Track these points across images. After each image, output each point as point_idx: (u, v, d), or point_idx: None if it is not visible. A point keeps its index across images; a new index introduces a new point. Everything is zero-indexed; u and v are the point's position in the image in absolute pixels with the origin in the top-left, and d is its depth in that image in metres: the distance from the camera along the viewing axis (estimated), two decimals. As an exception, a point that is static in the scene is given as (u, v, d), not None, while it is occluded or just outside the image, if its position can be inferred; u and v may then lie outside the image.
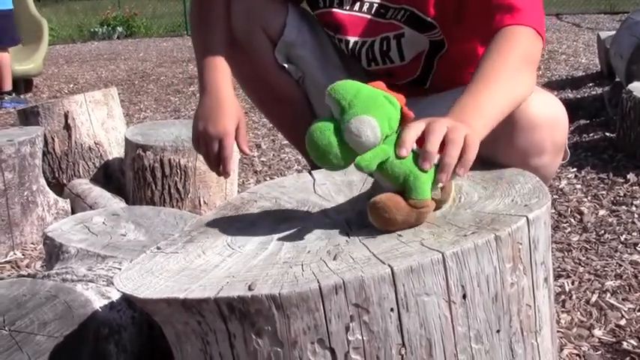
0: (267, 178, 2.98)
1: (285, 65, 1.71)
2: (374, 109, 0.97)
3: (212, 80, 1.56)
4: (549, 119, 1.25)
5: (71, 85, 6.29)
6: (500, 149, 1.25)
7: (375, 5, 1.61)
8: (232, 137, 1.51)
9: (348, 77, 1.75)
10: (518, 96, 1.22)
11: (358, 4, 1.62)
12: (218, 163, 1.52)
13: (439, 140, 0.97)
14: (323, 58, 1.72)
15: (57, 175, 2.70)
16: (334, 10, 1.64)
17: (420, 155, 0.96)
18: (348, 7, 1.63)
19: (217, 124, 1.50)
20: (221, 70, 1.58)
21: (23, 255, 2.24)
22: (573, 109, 3.54)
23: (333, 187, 1.23)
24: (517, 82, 1.23)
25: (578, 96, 4.09)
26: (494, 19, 1.32)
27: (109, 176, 2.75)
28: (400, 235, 0.93)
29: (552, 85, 4.51)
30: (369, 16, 1.62)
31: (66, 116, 2.69)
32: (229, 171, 1.52)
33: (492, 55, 1.25)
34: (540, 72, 5.09)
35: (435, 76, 1.66)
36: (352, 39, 1.65)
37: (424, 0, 1.51)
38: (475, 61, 1.51)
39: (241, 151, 1.55)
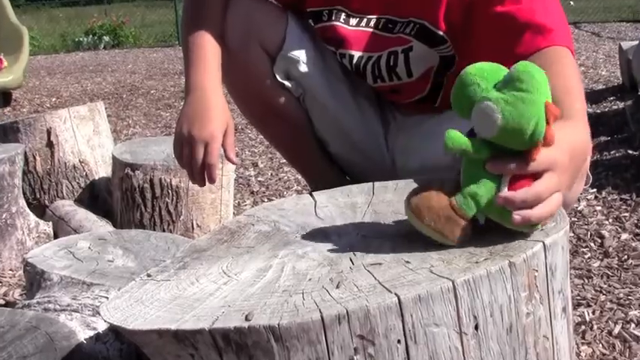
0: (265, 200, 2.98)
1: (285, 82, 1.71)
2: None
3: (200, 80, 1.56)
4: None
5: (54, 99, 6.30)
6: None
7: (383, 20, 1.62)
8: (219, 142, 1.49)
9: (354, 94, 1.77)
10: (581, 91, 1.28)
11: (365, 19, 1.64)
12: (202, 171, 1.50)
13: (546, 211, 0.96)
14: (327, 73, 1.73)
15: (38, 195, 2.71)
16: (337, 24, 1.66)
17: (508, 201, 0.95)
18: (354, 24, 1.65)
19: (204, 128, 1.49)
20: (210, 69, 1.58)
21: (1, 282, 2.24)
22: (593, 125, 3.52)
23: (336, 210, 1.23)
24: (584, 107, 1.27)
25: (598, 111, 4.10)
26: (523, 40, 1.35)
27: (95, 197, 2.76)
28: (408, 262, 0.94)
29: (570, 99, 4.52)
30: (375, 31, 1.64)
31: (48, 133, 2.70)
32: (215, 178, 1.51)
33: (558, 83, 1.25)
34: (557, 85, 5.11)
35: (445, 93, 1.67)
36: (357, 53, 1.66)
37: (435, 13, 1.52)
38: None
39: (228, 158, 1.54)
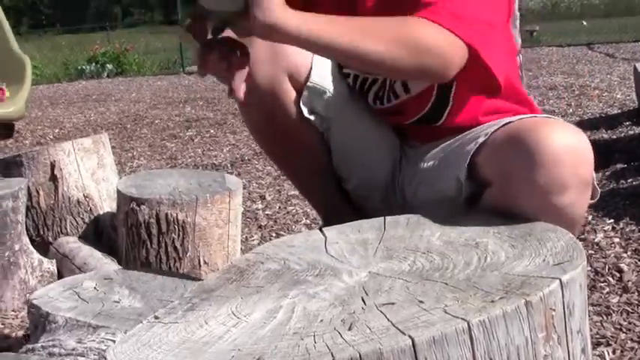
0: (273, 234, 2.99)
1: (311, 117, 1.72)
2: None
3: None
4: (571, 150, 1.26)
5: (57, 130, 6.34)
6: (520, 189, 1.27)
7: None
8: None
9: (376, 128, 1.78)
10: (368, 55, 1.29)
11: None
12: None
13: None
14: (351, 105, 1.74)
15: (42, 232, 2.72)
16: None
17: None
18: None
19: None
20: None
21: (3, 324, 2.24)
22: (608, 150, 3.55)
23: (347, 247, 1.24)
24: (374, 44, 1.29)
25: (614, 136, 4.10)
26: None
27: (100, 233, 2.77)
28: (421, 302, 0.94)
29: (584, 125, 4.52)
30: None
31: (52, 166, 2.72)
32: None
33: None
34: (571, 110, 5.12)
35: (451, 110, 1.67)
36: (361, 75, 1.69)
37: None
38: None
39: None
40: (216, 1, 1.26)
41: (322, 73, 1.71)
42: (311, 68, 1.69)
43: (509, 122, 1.41)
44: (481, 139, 1.41)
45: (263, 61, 1.65)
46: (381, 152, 1.79)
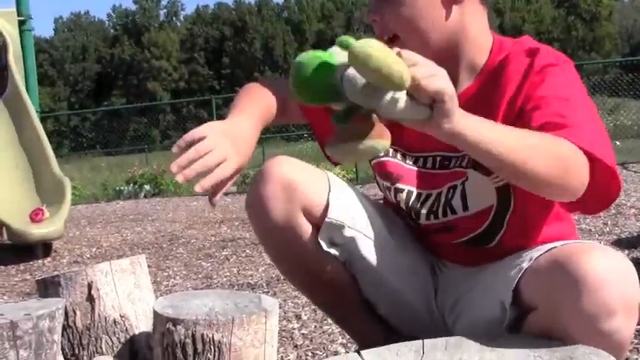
0: (309, 354, 2.95)
1: (331, 251, 1.73)
2: None
3: (242, 104, 1.66)
4: (616, 275, 1.26)
5: (94, 249, 6.39)
6: (566, 315, 1.25)
7: (438, 157, 1.66)
8: (235, 166, 1.51)
9: (403, 251, 1.79)
10: (527, 165, 1.35)
11: (421, 159, 1.68)
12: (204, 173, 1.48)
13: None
14: (374, 233, 1.75)
15: (77, 351, 2.71)
16: (395, 161, 1.70)
17: None
18: (410, 163, 1.69)
19: (234, 143, 1.52)
20: (251, 112, 1.65)
21: None
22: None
23: (385, 370, 1.22)
24: (531, 152, 1.36)
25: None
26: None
27: (135, 353, 2.75)
28: None
29: (622, 244, 4.48)
30: (433, 171, 1.68)
31: (89, 287, 2.73)
32: (216, 199, 1.55)
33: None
34: (608, 229, 5.08)
35: (504, 234, 1.67)
36: (415, 190, 1.70)
37: None
38: (544, 221, 1.57)
39: (211, 197, 1.56)
40: (405, 111, 1.31)
41: (342, 206, 1.72)
42: (328, 204, 1.71)
43: (553, 248, 1.42)
44: (525, 265, 1.42)
45: (278, 198, 1.68)
46: (411, 279, 1.79)
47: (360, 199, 1.77)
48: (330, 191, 1.71)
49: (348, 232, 1.71)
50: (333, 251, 1.73)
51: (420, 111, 1.29)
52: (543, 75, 1.55)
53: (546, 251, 1.42)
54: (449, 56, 1.64)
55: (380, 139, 1.31)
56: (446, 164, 1.68)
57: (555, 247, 1.43)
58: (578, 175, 1.39)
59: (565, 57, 1.61)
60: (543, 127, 1.44)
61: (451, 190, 1.67)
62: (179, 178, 1.44)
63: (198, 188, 1.47)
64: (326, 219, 1.70)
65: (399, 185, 1.74)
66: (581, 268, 1.26)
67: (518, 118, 1.54)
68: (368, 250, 1.73)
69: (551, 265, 1.35)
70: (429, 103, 1.29)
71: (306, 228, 1.71)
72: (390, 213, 1.86)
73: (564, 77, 1.56)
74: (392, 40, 1.63)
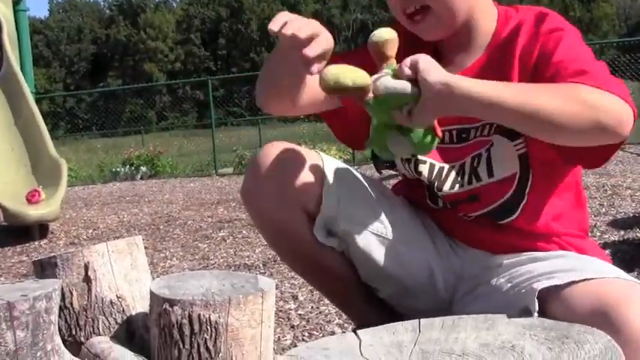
0: (306, 334, 2.96)
1: (327, 243, 1.73)
2: None
3: None
4: None
5: (90, 231, 6.40)
6: None
7: (454, 131, 1.66)
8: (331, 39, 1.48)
9: (405, 237, 1.78)
10: (543, 111, 1.35)
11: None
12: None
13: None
14: (372, 221, 1.74)
15: (74, 332, 2.71)
16: None
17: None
18: None
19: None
20: None
21: None
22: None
23: (381, 349, 1.23)
24: (548, 100, 1.36)
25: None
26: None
27: (132, 333, 2.75)
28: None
29: (617, 224, 4.49)
30: (452, 146, 1.68)
31: (86, 268, 2.72)
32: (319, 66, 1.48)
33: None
34: (604, 210, 5.09)
35: (524, 209, 1.68)
36: (437, 163, 1.70)
37: None
38: (561, 202, 1.59)
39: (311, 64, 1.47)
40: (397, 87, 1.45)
41: (335, 201, 1.72)
42: (321, 198, 1.71)
43: (589, 279, 1.38)
44: (556, 282, 1.39)
45: (272, 194, 1.68)
46: (412, 264, 1.78)
47: (357, 184, 1.76)
48: (324, 184, 1.70)
49: (343, 226, 1.71)
50: (331, 243, 1.74)
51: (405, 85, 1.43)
52: (555, 38, 1.57)
53: (582, 280, 1.38)
54: (466, 26, 1.66)
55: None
56: (464, 137, 1.68)
57: (592, 278, 1.39)
58: (609, 109, 1.37)
59: (571, 25, 1.63)
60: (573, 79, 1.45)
61: (476, 159, 1.67)
62: (284, 31, 1.41)
63: (307, 52, 1.42)
64: (320, 215, 1.71)
65: (421, 157, 1.73)
66: (622, 322, 1.22)
67: (532, 77, 1.55)
68: (366, 242, 1.73)
69: (590, 305, 1.31)
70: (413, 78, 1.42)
71: (302, 221, 1.72)
72: (391, 194, 1.85)
73: (575, 40, 1.58)
74: (422, 11, 1.63)
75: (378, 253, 1.75)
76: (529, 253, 1.65)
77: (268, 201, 1.69)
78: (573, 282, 1.38)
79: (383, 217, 1.75)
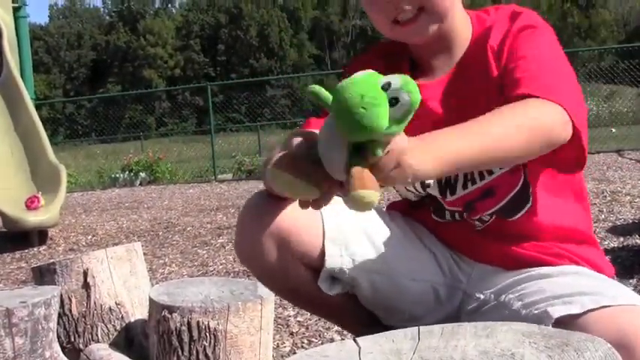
0: (305, 341, 2.96)
1: (332, 292, 1.74)
2: None
3: None
4: None
5: (89, 237, 6.39)
6: None
7: None
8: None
9: (408, 271, 1.78)
10: (499, 148, 1.32)
11: None
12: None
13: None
14: (373, 264, 1.74)
15: (73, 339, 2.71)
16: None
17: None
18: None
19: None
20: None
21: None
22: (643, 257, 3.52)
23: (381, 356, 1.22)
24: (501, 135, 1.33)
25: (647, 245, 4.06)
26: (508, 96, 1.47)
27: (131, 340, 2.75)
28: (458, 414, 0.92)
29: (617, 231, 4.49)
30: None
31: (85, 274, 2.73)
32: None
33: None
34: (603, 216, 5.09)
35: (532, 201, 1.68)
36: None
37: None
38: (561, 199, 1.59)
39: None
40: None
41: (337, 251, 1.70)
42: (323, 251, 1.69)
43: (606, 306, 1.37)
44: (573, 310, 1.38)
45: (271, 250, 1.66)
46: (418, 291, 1.77)
47: (356, 226, 1.74)
48: (324, 235, 1.70)
49: (348, 273, 1.71)
50: (336, 290, 1.74)
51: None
52: (524, 35, 1.59)
53: (600, 307, 1.36)
54: (445, 30, 1.66)
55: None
56: None
57: (609, 305, 1.36)
58: (558, 125, 1.39)
59: (545, 22, 1.64)
60: (519, 85, 1.47)
61: None
62: None
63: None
64: (323, 268, 1.70)
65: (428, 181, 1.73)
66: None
67: (503, 75, 1.57)
68: (371, 284, 1.71)
69: (610, 335, 1.26)
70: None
71: (306, 276, 1.72)
72: (388, 220, 1.83)
73: (544, 39, 1.60)
74: (419, 12, 1.62)
75: (384, 292, 1.75)
76: (538, 268, 1.64)
77: (268, 260, 1.67)
78: (591, 311, 1.37)
79: (385, 253, 1.74)
